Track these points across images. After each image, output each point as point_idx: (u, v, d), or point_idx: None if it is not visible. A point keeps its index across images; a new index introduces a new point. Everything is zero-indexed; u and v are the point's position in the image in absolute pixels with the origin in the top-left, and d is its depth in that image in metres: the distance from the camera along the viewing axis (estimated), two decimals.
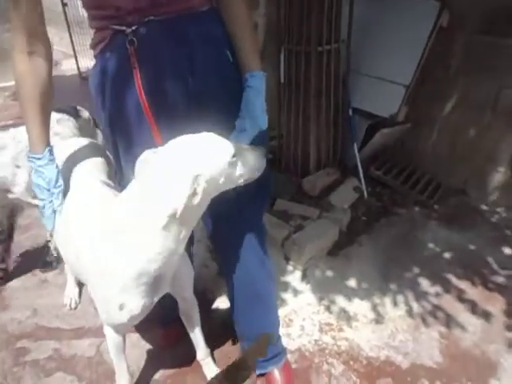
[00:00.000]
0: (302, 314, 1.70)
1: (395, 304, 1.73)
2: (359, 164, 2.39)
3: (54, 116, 1.57)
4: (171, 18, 0.94)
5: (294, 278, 1.90)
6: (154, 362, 1.49)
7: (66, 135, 1.59)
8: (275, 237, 2.03)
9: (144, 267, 0.90)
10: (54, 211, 1.04)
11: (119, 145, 1.11)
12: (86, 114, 1.85)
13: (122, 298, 0.94)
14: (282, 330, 1.50)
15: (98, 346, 1.53)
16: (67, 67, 5.84)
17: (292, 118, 2.42)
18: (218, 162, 0.87)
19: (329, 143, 2.50)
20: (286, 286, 1.84)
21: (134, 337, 1.58)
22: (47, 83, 0.98)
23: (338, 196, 2.35)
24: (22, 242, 2.07)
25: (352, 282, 1.85)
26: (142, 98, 0.98)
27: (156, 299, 1.02)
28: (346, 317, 1.68)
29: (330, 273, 1.91)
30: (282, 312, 1.68)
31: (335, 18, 2.19)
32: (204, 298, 1.76)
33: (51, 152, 1.02)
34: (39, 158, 1.00)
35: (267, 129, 1.09)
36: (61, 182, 1.04)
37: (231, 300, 1.35)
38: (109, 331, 1.10)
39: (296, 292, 1.82)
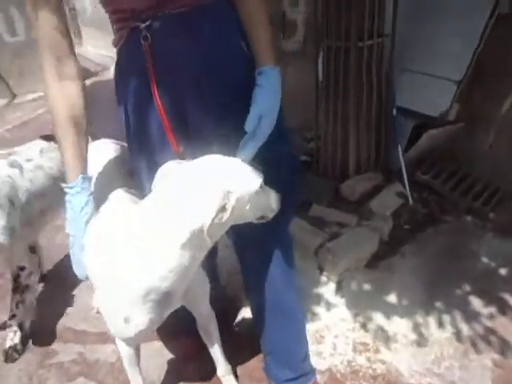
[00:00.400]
0: (334, 331, 1.57)
1: (441, 325, 1.55)
2: (404, 167, 2.20)
3: (39, 145, 1.49)
4: (185, 12, 0.89)
5: (327, 290, 1.77)
6: (174, 373, 1.44)
7: (50, 169, 1.46)
8: (308, 244, 1.92)
9: (154, 284, 0.84)
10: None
11: (138, 145, 1.06)
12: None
13: (128, 312, 0.88)
14: (311, 348, 1.40)
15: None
16: None
17: (330, 117, 2.29)
18: (249, 185, 0.85)
19: (370, 145, 2.33)
20: (318, 299, 1.72)
21: (158, 345, 1.54)
22: (80, 105, 0.93)
23: (380, 202, 2.17)
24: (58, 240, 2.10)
25: (392, 298, 1.69)
26: (156, 99, 0.94)
27: (166, 315, 0.96)
28: (384, 337, 1.52)
29: (367, 286, 1.75)
30: (312, 327, 1.57)
31: (378, 11, 2.03)
32: (232, 306, 1.69)
33: (85, 180, 0.93)
34: (71, 187, 0.92)
35: (282, 132, 1.01)
36: (88, 210, 0.93)
37: (254, 313, 1.26)
38: (120, 343, 1.06)
39: (329, 306, 1.69)
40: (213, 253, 1.44)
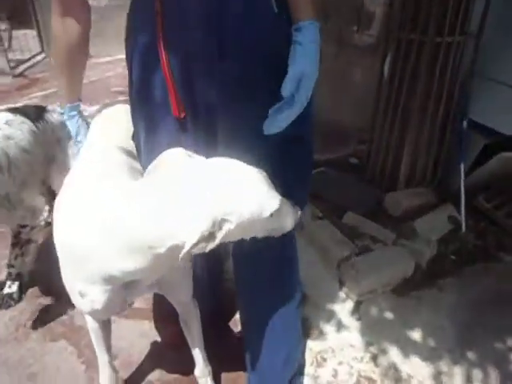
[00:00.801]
0: (339, 356, 1.38)
1: (469, 380, 1.30)
2: (463, 189, 1.91)
3: (5, 116, 1.42)
4: None
5: (343, 308, 1.57)
6: (154, 358, 1.34)
7: (19, 139, 1.39)
8: (333, 254, 1.72)
9: (115, 275, 0.73)
10: None
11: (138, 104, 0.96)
12: (55, 117, 1.55)
13: (82, 288, 0.78)
14: (308, 370, 1.25)
15: None
16: None
17: (388, 120, 2.04)
18: (259, 210, 0.69)
19: (428, 157, 2.05)
20: (330, 315, 1.53)
21: (147, 326, 1.45)
22: (78, 43, 0.96)
23: (426, 223, 1.90)
24: None
25: (416, 334, 1.45)
26: (162, 58, 0.83)
27: (131, 300, 0.86)
28: (396, 377, 1.31)
29: (389, 314, 1.53)
30: (315, 346, 1.39)
31: (466, 4, 1.75)
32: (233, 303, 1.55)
33: (71, 109, 1.04)
34: (61, 113, 1.09)
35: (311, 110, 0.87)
36: (80, 138, 1.06)
37: (242, 324, 1.13)
38: (86, 315, 0.98)
39: (340, 326, 1.49)
40: (214, 267, 1.34)
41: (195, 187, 0.66)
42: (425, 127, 1.96)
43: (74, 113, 1.04)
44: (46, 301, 1.54)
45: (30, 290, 1.58)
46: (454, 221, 1.91)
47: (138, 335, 1.41)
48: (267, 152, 0.87)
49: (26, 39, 4.93)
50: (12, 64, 4.31)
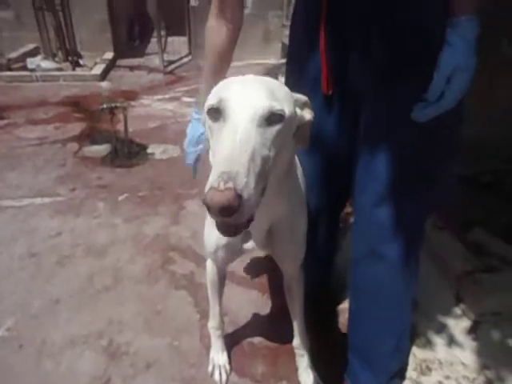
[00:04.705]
0: (447, 370, 1.28)
1: None
2: None
3: None
4: None
5: (458, 324, 1.45)
6: (259, 324, 1.43)
7: None
8: (453, 267, 1.60)
9: None
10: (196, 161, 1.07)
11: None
12: None
13: None
14: (410, 373, 1.18)
15: None
16: None
17: None
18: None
19: None
20: (440, 328, 1.43)
21: (254, 295, 1.56)
22: (225, 47, 0.99)
23: None
24: None
25: None
26: (322, 37, 0.91)
27: (246, 246, 0.95)
28: None
29: None
30: (419, 353, 1.32)
31: None
32: (335, 298, 1.56)
33: (196, 112, 1.03)
34: (195, 112, 1.05)
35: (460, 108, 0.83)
36: (200, 143, 1.03)
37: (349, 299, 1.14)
38: (208, 263, 1.12)
39: (453, 342, 1.38)
40: (329, 238, 1.35)
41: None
42: None
43: (198, 117, 1.03)
44: (175, 255, 1.76)
45: (163, 245, 1.82)
46: None
47: (247, 301, 1.52)
48: (409, 139, 0.87)
49: (178, 44, 5.68)
50: (165, 63, 5.00)
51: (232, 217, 0.55)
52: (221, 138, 0.62)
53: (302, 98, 0.76)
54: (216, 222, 0.61)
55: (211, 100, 0.68)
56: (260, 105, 0.63)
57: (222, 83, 0.73)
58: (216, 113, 0.66)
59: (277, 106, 0.64)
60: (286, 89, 0.72)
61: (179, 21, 5.84)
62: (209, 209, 0.55)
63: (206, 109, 0.69)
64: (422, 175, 0.92)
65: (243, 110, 0.62)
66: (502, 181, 2.12)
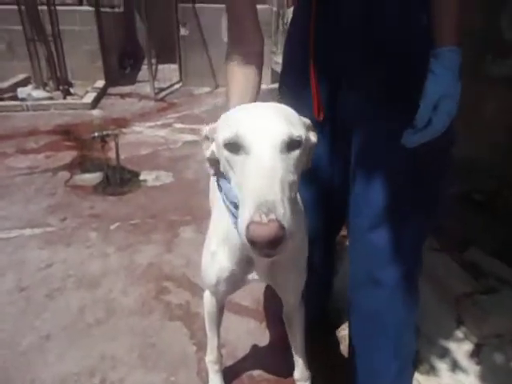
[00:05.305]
0: None
1: None
2: None
3: None
4: None
5: (460, 348, 1.42)
6: (258, 356, 1.38)
7: None
8: (451, 289, 1.59)
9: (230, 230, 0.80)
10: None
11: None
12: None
13: (215, 248, 0.89)
14: None
15: None
16: None
17: None
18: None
19: None
20: (443, 353, 1.40)
21: (253, 325, 1.51)
22: (255, 75, 0.92)
23: None
24: None
25: None
26: (311, 60, 0.92)
27: (248, 277, 0.92)
28: None
29: None
30: (424, 380, 1.29)
31: None
32: (334, 321, 1.53)
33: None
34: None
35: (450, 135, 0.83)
36: None
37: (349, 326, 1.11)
38: (206, 295, 1.08)
39: (456, 367, 1.35)
40: (326, 263, 1.34)
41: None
42: None
43: None
44: (169, 285, 1.72)
45: (157, 274, 1.78)
46: None
47: (245, 331, 1.48)
48: (401, 165, 0.88)
49: (169, 71, 5.77)
50: (156, 91, 5.05)
51: (277, 248, 0.53)
52: (246, 170, 0.60)
53: (307, 121, 0.75)
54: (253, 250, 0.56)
55: (227, 133, 0.65)
56: (280, 132, 0.62)
57: (234, 113, 0.71)
58: (235, 145, 0.64)
59: (295, 132, 0.64)
60: (296, 113, 0.72)
61: (170, 49, 5.95)
62: (253, 244, 0.53)
63: (221, 142, 0.66)
64: (416, 200, 0.92)
65: (265, 139, 0.61)
66: (493, 199, 2.13)
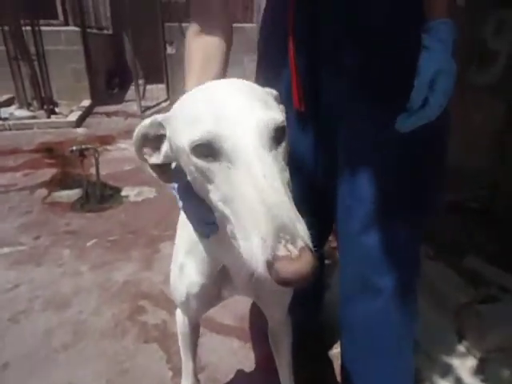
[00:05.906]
0: None
1: None
2: None
3: None
4: None
5: (463, 364, 1.30)
6: (242, 378, 1.25)
7: None
8: (450, 300, 1.48)
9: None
10: None
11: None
12: None
13: (183, 259, 0.77)
14: None
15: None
16: None
17: None
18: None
19: None
20: (446, 370, 1.27)
21: (236, 345, 1.38)
22: (215, 45, 0.76)
23: None
24: None
25: None
26: (291, 51, 0.83)
27: (224, 292, 0.80)
28: None
29: None
30: None
31: None
32: (325, 336, 1.40)
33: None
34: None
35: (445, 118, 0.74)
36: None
37: (341, 345, 0.99)
38: (177, 313, 0.96)
39: None
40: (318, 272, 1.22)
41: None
42: None
43: None
44: (146, 304, 1.58)
45: (134, 292, 1.64)
46: None
47: (227, 352, 1.34)
48: (393, 157, 0.80)
49: (157, 91, 5.75)
50: (142, 109, 5.00)
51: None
52: (236, 183, 0.45)
53: (273, 91, 0.62)
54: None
55: (194, 131, 0.48)
56: (266, 122, 0.48)
57: (196, 100, 0.53)
58: (208, 149, 0.47)
59: (278, 117, 0.49)
60: (263, 89, 0.58)
61: (158, 69, 5.95)
62: (286, 284, 0.40)
63: (186, 145, 0.49)
64: (410, 195, 0.82)
65: (250, 137, 0.46)
66: (487, 207, 2.06)
